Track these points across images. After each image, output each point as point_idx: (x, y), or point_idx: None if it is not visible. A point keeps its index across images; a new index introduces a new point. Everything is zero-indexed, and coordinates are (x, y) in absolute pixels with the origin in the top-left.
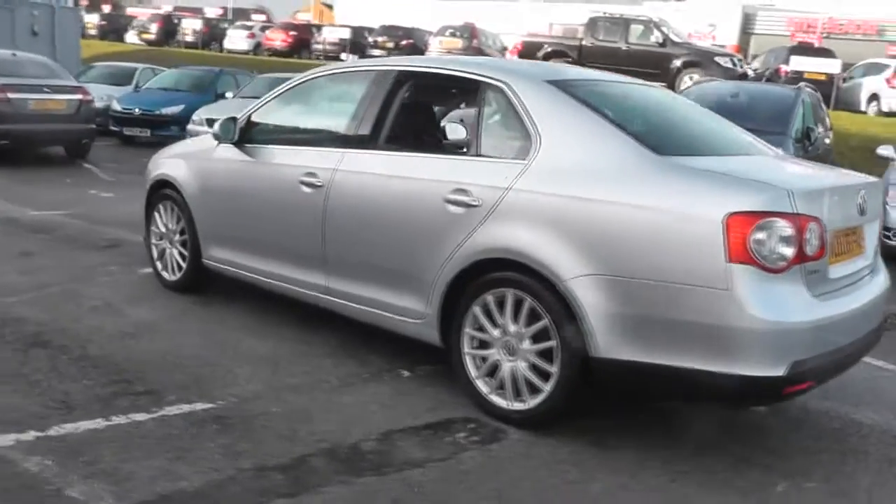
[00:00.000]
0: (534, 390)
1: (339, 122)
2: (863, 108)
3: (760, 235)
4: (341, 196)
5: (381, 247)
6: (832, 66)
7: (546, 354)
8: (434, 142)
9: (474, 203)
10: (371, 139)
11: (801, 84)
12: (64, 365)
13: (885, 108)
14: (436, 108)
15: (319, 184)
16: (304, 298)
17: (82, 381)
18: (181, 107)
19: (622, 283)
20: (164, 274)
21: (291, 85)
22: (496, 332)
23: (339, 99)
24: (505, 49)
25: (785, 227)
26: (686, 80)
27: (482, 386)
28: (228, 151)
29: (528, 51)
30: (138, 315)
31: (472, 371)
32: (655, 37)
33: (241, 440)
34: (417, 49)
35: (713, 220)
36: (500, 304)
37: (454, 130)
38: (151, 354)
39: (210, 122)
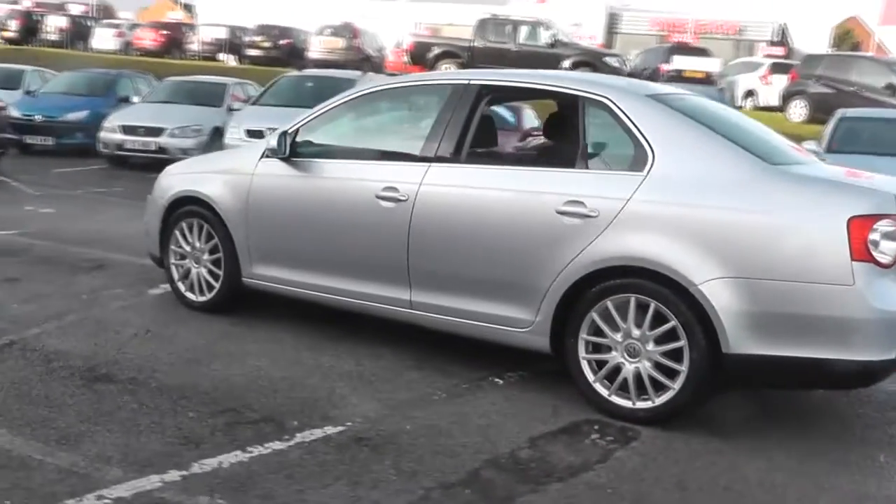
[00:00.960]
0: (658, 388)
1: (417, 136)
2: (739, 103)
3: (876, 235)
4: (430, 210)
5: (480, 259)
6: (712, 65)
7: (672, 354)
8: (533, 155)
9: (592, 214)
10: (459, 153)
11: (721, 86)
12: (150, 398)
13: (761, 103)
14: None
15: (402, 198)
16: (380, 313)
17: (186, 414)
18: (85, 112)
19: (750, 284)
20: (190, 295)
21: (346, 99)
22: (618, 336)
23: (411, 112)
24: (383, 49)
25: (892, 227)
26: None
27: (601, 389)
28: (276, 167)
29: (419, 51)
30: (185, 339)
31: (589, 375)
32: (544, 37)
33: (403, 460)
34: (297, 49)
35: (837, 222)
36: (620, 309)
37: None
38: (236, 379)
39: (252, 134)
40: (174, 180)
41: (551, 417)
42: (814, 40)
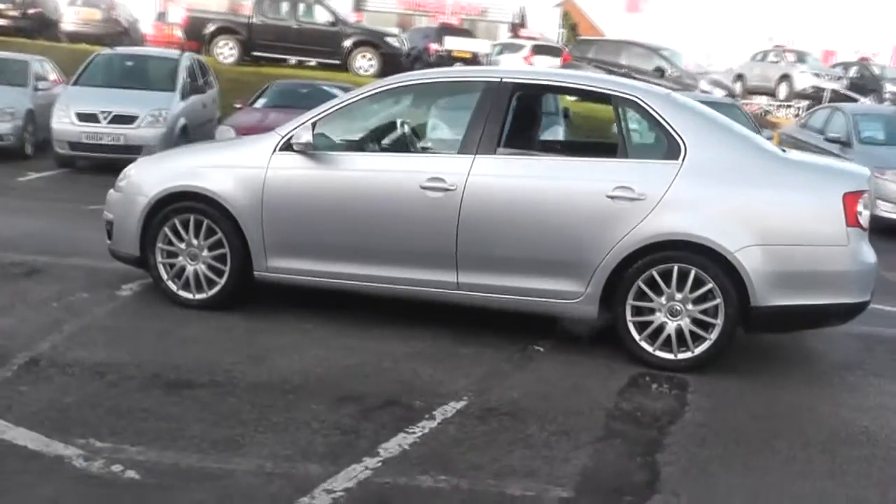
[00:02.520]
0: (695, 340)
1: (456, 130)
2: None
3: (860, 206)
4: (480, 199)
5: (532, 241)
6: (482, 46)
7: (709, 311)
8: (572, 146)
9: (640, 197)
10: (500, 145)
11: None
12: (257, 398)
13: None
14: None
15: (450, 188)
16: (423, 296)
17: (310, 406)
18: None
19: (772, 249)
20: (184, 293)
21: (369, 93)
22: (662, 300)
23: (444, 107)
24: (136, 21)
25: (868, 200)
26: (359, 60)
27: (646, 346)
28: (295, 160)
29: (194, 26)
30: (214, 337)
31: (636, 335)
32: (324, 15)
33: (545, 423)
34: (48, 19)
35: (834, 196)
36: (664, 276)
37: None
38: (317, 371)
39: (83, 118)
40: (154, 176)
41: (612, 375)
42: (545, 21)
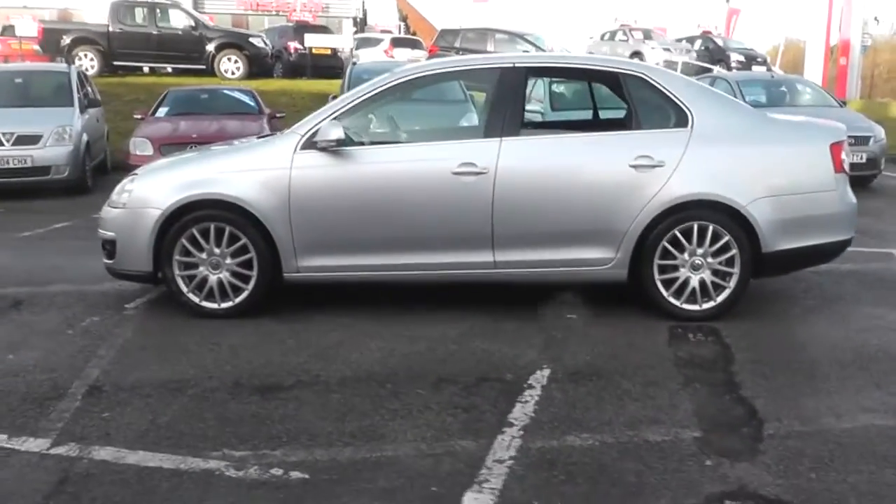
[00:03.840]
0: (717, 290)
1: (481, 115)
2: None
3: (844, 154)
4: (513, 179)
5: (564, 215)
6: (343, 42)
7: (727, 262)
8: (586, 123)
9: (659, 164)
10: (523, 127)
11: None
12: (359, 392)
13: None
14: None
15: (482, 171)
16: (462, 279)
17: (417, 392)
18: None
19: (777, 199)
20: (208, 304)
21: (386, 85)
22: (685, 256)
23: (462, 94)
24: None
25: (848, 148)
26: (225, 63)
27: (673, 300)
28: (318, 158)
29: (50, 38)
30: (266, 341)
31: (664, 291)
32: (185, 20)
33: (646, 379)
34: None
35: (823, 148)
36: (685, 234)
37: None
38: (391, 361)
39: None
40: (164, 187)
41: (650, 331)
42: (384, 15)
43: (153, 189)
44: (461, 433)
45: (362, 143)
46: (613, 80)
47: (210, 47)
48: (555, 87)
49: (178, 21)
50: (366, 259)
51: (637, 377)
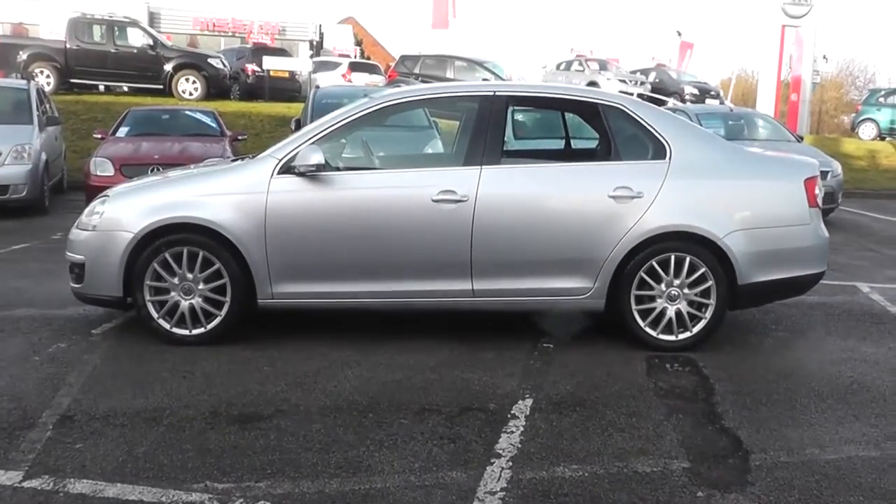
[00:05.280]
0: (692, 320)
1: (457, 143)
2: None
3: (817, 189)
4: (493, 207)
5: (543, 244)
6: (301, 65)
7: (703, 293)
8: (566, 153)
9: (637, 195)
10: (503, 156)
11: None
12: (340, 421)
13: None
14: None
15: (461, 199)
16: (440, 307)
17: (399, 420)
18: None
19: (752, 232)
20: (179, 330)
21: (364, 111)
22: (662, 287)
23: (426, 121)
24: None
25: (821, 183)
26: (183, 83)
27: (650, 330)
28: (295, 183)
29: (5, 53)
30: (242, 369)
31: (640, 322)
32: (143, 39)
33: (633, 410)
34: None
35: (798, 182)
36: (662, 265)
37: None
38: (376, 389)
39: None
40: (137, 210)
41: (629, 362)
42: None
43: (125, 211)
44: (449, 464)
45: (339, 169)
46: (593, 111)
47: (168, 67)
48: (517, 116)
49: (137, 40)
50: (342, 286)
51: (620, 407)
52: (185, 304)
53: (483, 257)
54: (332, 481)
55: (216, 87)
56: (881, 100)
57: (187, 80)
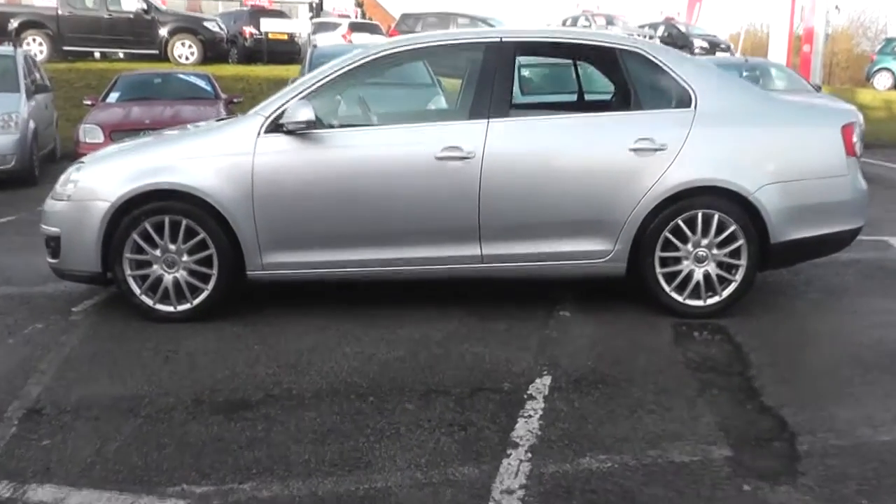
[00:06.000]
0: (722, 283)
1: (462, 95)
2: None
3: (855, 137)
4: (502, 164)
5: (557, 204)
6: (300, 27)
7: (733, 253)
8: (582, 103)
9: (660, 147)
10: (512, 107)
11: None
12: (336, 408)
13: None
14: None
15: (468, 156)
16: (446, 274)
17: (403, 405)
18: None
19: (785, 185)
20: (163, 306)
21: (360, 62)
22: (689, 247)
23: (443, 72)
24: None
25: (860, 131)
26: (179, 48)
27: (676, 295)
28: (285, 143)
29: None
30: (229, 348)
31: (665, 286)
32: (137, 3)
33: (662, 387)
34: None
35: (835, 130)
36: (689, 224)
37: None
38: (377, 368)
39: None
40: (114, 176)
41: (652, 329)
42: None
43: (101, 179)
44: (460, 457)
45: (332, 126)
46: (610, 57)
47: (163, 32)
48: (524, 70)
49: (130, 4)
50: (338, 254)
51: (648, 384)
52: (168, 277)
53: (492, 219)
54: (325, 481)
55: (213, 52)
56: None
57: (183, 44)
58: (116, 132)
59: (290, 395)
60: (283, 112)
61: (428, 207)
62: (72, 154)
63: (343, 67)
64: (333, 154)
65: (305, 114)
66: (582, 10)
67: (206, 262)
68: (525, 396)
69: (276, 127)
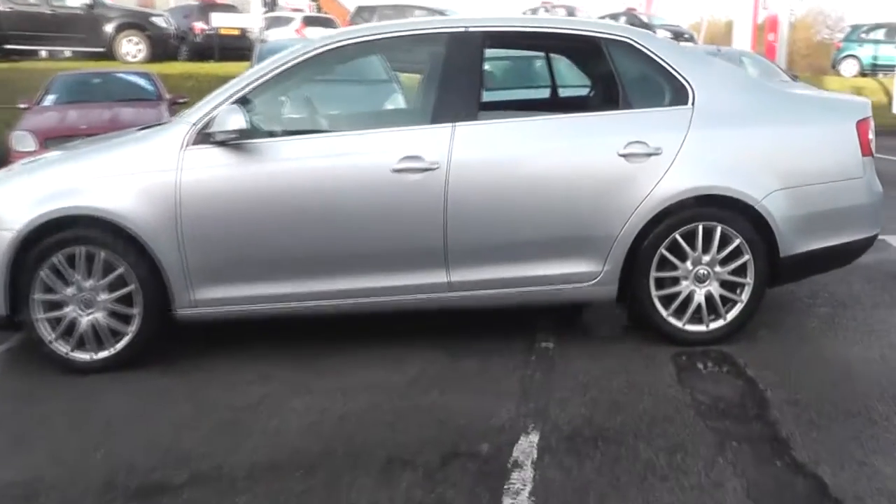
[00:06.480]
0: (725, 304)
1: (422, 95)
2: None
3: (871, 134)
4: (470, 175)
5: (537, 220)
6: (251, 21)
7: (738, 270)
8: (563, 102)
9: (655, 152)
10: (481, 108)
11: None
12: (276, 486)
13: None
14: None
15: (430, 167)
16: (407, 306)
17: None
18: None
19: (795, 191)
20: (80, 354)
21: (302, 57)
22: (688, 265)
23: (384, 73)
24: None
25: (873, 125)
26: (126, 45)
27: (674, 321)
28: (214, 155)
29: None
30: (155, 408)
31: (662, 311)
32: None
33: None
34: None
35: (849, 126)
36: (687, 239)
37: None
38: (330, 428)
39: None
40: (18, 200)
41: (651, 363)
42: None
43: (4, 203)
44: None
45: (273, 135)
46: (593, 47)
47: (109, 28)
48: (494, 65)
49: (76, 0)
50: (283, 286)
51: (655, 438)
52: (84, 320)
53: (460, 241)
54: None
55: (162, 48)
56: (863, 35)
57: (130, 41)
58: (50, 139)
59: (219, 472)
60: (211, 119)
61: (385, 229)
62: (6, 162)
63: (282, 65)
64: (273, 168)
65: (236, 121)
66: (542, 2)
67: (128, 300)
68: (509, 464)
69: (204, 137)
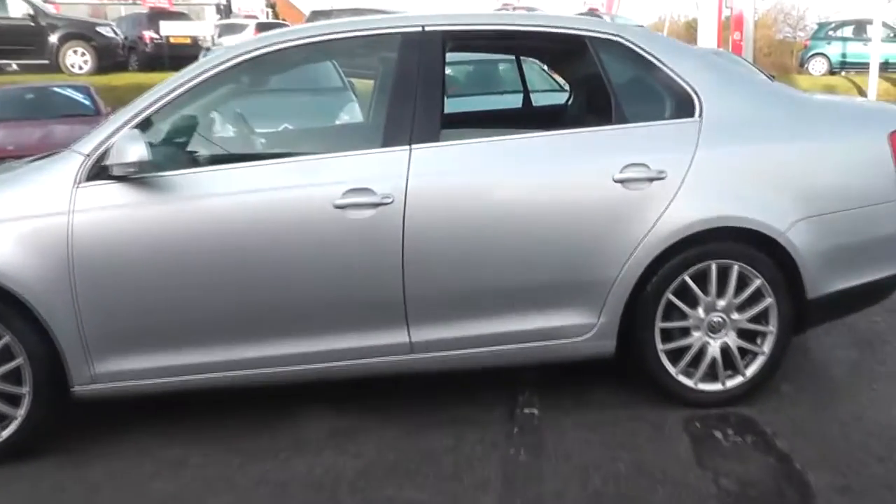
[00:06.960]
0: (744, 356)
1: (371, 112)
2: None
3: None
4: (432, 211)
5: (514, 263)
6: (204, 29)
7: (759, 317)
8: (541, 117)
9: (658, 175)
10: (443, 127)
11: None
12: None
13: None
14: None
15: (382, 201)
16: (361, 372)
17: None
18: None
19: (823, 219)
20: None
21: (216, 69)
22: (700, 312)
23: (338, 79)
24: None
25: None
26: (71, 56)
27: (685, 379)
28: (113, 194)
29: None
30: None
31: (670, 368)
32: (20, 7)
33: None
34: None
35: (880, 139)
36: (698, 280)
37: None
38: None
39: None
40: None
41: (659, 434)
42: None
43: None
44: None
45: (186, 166)
46: (578, 49)
47: (53, 38)
48: (459, 72)
49: (15, 9)
50: (204, 354)
51: None
52: None
53: (423, 291)
54: None
55: (109, 59)
56: (830, 33)
57: (75, 52)
58: None
59: None
60: (108, 149)
61: (329, 280)
62: None
63: (195, 77)
64: (184, 207)
65: (136, 151)
66: (503, 3)
67: (16, 377)
68: None
69: (100, 171)
